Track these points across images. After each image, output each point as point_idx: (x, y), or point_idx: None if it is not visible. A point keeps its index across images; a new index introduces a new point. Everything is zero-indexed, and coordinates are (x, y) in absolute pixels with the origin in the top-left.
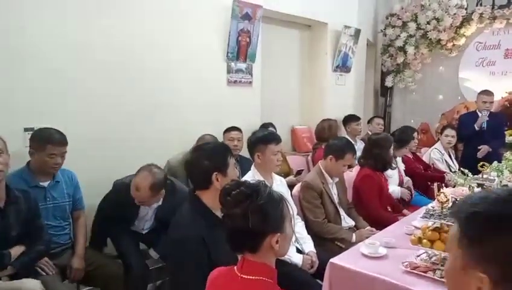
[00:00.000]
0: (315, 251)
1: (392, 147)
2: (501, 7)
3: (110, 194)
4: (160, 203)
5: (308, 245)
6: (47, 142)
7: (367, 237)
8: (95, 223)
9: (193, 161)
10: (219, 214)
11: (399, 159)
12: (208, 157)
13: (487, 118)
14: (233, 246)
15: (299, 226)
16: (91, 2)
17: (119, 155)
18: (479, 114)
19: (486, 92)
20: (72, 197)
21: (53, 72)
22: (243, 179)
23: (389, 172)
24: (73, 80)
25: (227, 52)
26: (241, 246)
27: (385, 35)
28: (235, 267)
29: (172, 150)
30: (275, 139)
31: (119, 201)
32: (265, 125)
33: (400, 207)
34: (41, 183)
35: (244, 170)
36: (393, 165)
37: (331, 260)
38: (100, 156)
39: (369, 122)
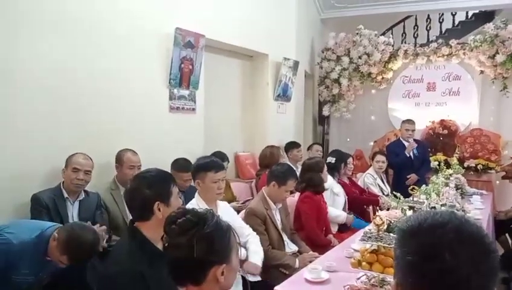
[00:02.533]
0: (258, 266)
1: (324, 171)
2: (422, 45)
3: (36, 206)
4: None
5: (255, 258)
6: None
7: (310, 261)
8: None
9: (133, 189)
10: (160, 246)
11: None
12: (149, 185)
13: (416, 144)
14: (176, 278)
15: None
16: (28, 25)
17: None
18: (404, 142)
19: (409, 121)
20: None
21: None
22: (188, 206)
23: (338, 197)
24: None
25: (170, 79)
26: (184, 278)
27: (321, 67)
28: None
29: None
30: (214, 167)
31: (50, 202)
32: (217, 155)
33: (329, 232)
34: None
35: (189, 199)
36: (326, 187)
37: (276, 288)
38: (29, 188)
39: (308, 148)
